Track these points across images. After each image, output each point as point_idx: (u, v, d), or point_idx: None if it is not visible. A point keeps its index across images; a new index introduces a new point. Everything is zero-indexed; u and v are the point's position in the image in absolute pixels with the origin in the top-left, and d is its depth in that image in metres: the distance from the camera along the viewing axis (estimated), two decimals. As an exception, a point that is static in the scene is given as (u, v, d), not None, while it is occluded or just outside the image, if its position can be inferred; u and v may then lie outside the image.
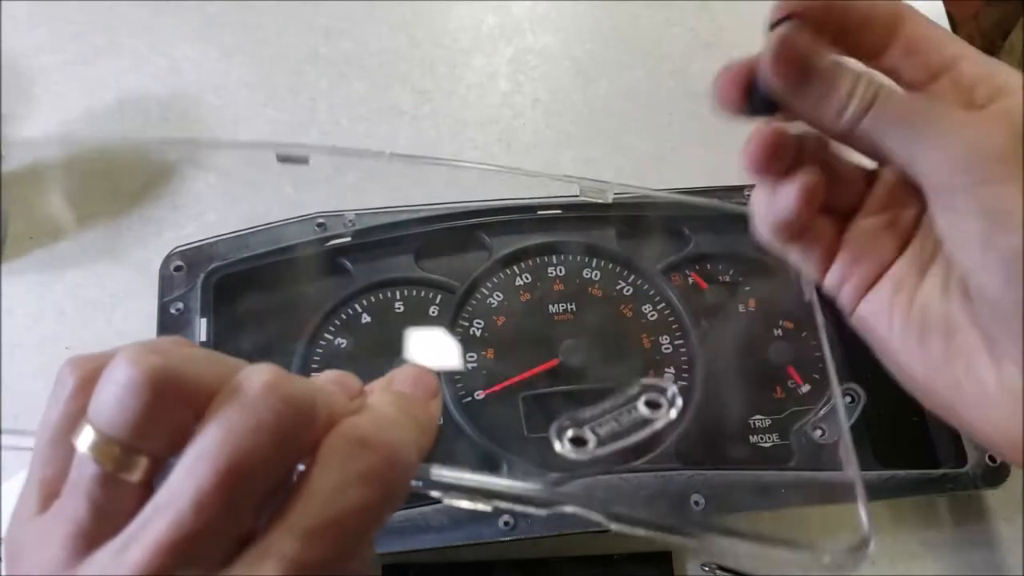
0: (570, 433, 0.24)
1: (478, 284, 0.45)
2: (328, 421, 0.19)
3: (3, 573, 0.19)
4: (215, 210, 0.51)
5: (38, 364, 0.45)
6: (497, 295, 0.44)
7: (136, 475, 0.18)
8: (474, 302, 0.44)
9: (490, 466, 0.40)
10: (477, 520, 0.37)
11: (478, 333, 0.43)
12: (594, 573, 0.41)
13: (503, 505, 0.21)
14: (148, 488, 0.18)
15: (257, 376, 0.19)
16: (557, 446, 0.23)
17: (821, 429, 0.41)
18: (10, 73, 0.55)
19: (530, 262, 0.46)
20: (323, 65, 0.57)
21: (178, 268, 0.43)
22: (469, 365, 0.42)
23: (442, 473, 0.21)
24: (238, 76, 0.56)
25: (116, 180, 0.52)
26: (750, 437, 0.42)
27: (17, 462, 0.43)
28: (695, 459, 0.40)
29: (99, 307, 0.47)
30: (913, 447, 0.42)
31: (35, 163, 0.52)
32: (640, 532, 0.21)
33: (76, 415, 0.19)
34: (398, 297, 0.45)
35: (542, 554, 0.41)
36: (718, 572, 0.42)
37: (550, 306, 0.44)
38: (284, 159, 0.40)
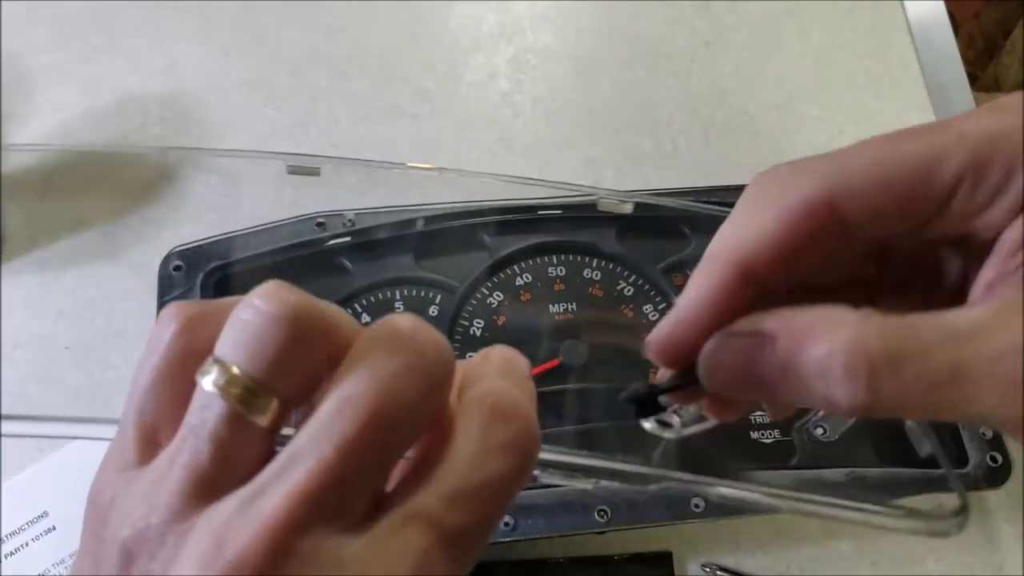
0: (659, 415, 0.24)
1: (478, 284, 0.45)
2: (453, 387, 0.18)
3: (86, 532, 0.17)
4: (215, 210, 0.51)
5: (38, 364, 0.45)
6: (497, 295, 0.44)
7: (266, 419, 0.17)
8: (474, 302, 0.44)
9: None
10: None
11: (478, 333, 0.43)
12: (594, 573, 0.41)
13: (605, 482, 0.21)
14: (273, 438, 0.17)
15: (398, 321, 0.17)
16: (645, 424, 0.23)
17: (823, 427, 0.41)
18: (10, 73, 0.55)
19: (530, 262, 0.46)
20: (323, 65, 0.57)
21: (177, 268, 0.43)
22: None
23: (547, 452, 0.20)
24: (238, 76, 0.56)
25: (116, 180, 0.52)
26: (751, 434, 0.42)
27: (17, 462, 0.43)
28: (696, 460, 0.40)
29: (98, 307, 0.47)
30: (913, 447, 0.42)
31: (35, 163, 0.52)
32: (745, 496, 0.21)
33: (180, 358, 0.18)
34: (398, 297, 0.45)
35: (542, 554, 0.41)
36: (719, 573, 0.42)
37: (550, 306, 0.44)
38: (294, 171, 0.40)
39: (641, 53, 0.59)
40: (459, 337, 0.43)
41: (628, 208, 0.39)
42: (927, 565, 0.43)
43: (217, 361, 0.17)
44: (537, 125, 0.56)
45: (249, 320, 0.17)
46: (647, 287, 0.45)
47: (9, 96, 0.54)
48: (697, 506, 0.38)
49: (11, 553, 0.41)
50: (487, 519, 0.17)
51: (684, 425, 0.24)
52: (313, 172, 0.41)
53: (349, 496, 0.16)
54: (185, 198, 0.51)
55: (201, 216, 0.51)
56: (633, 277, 0.45)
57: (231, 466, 0.16)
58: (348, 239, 0.45)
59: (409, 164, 0.37)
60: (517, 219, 0.46)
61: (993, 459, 0.40)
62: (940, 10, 0.62)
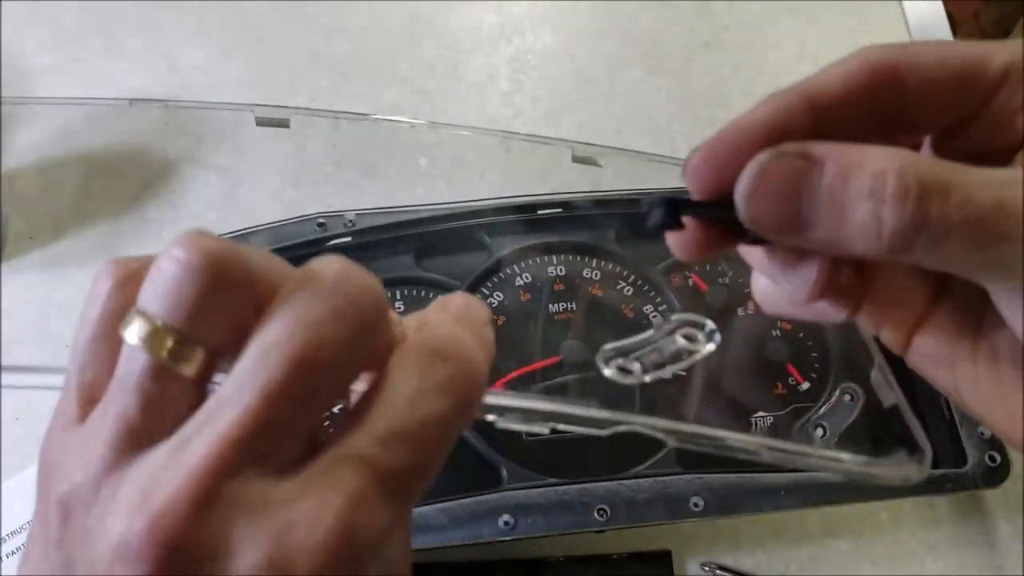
0: (619, 363, 0.24)
1: (478, 284, 0.45)
2: (394, 333, 0.18)
3: (37, 494, 0.17)
4: (215, 210, 0.51)
5: (39, 362, 0.45)
6: (497, 295, 0.44)
7: (191, 369, 0.16)
8: (474, 302, 0.44)
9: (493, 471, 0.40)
10: (477, 520, 0.37)
11: (478, 333, 0.43)
12: (594, 573, 0.41)
13: (562, 427, 0.20)
14: (202, 387, 0.17)
15: (327, 263, 0.17)
16: (605, 371, 0.23)
17: (822, 428, 0.41)
18: (10, 73, 0.55)
19: (530, 262, 0.46)
20: (323, 65, 0.57)
21: (178, 268, 0.43)
22: None
23: (500, 397, 0.20)
24: (238, 76, 0.56)
25: (116, 180, 0.52)
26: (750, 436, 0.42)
27: (17, 462, 0.43)
28: (695, 462, 0.40)
29: (99, 307, 0.47)
30: (913, 447, 0.42)
31: (35, 163, 0.52)
32: (708, 449, 0.21)
33: (117, 313, 0.17)
34: (398, 297, 0.45)
35: (542, 554, 0.41)
36: (718, 572, 0.42)
37: (550, 306, 0.44)
38: (263, 123, 0.40)
39: (641, 53, 0.59)
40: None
41: (602, 163, 0.39)
42: (926, 564, 0.43)
43: (139, 313, 0.16)
44: (537, 125, 0.56)
45: (168, 270, 0.16)
46: (647, 287, 0.45)
47: (9, 96, 0.54)
48: (696, 505, 0.38)
49: (11, 553, 0.41)
50: (425, 459, 0.17)
51: (645, 371, 0.24)
52: (283, 124, 0.40)
53: (277, 441, 0.16)
54: (185, 197, 0.51)
55: (201, 216, 0.51)
56: (633, 277, 0.45)
57: (160, 417, 0.16)
58: (348, 239, 0.45)
59: (377, 117, 0.37)
60: (517, 219, 0.46)
61: (992, 458, 0.40)
62: (939, 10, 0.62)
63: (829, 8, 0.61)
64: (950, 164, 0.17)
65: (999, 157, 0.20)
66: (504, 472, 0.39)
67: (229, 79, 0.56)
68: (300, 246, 0.44)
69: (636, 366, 0.24)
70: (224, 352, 0.17)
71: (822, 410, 0.41)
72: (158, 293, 0.16)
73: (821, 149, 0.18)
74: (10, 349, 0.46)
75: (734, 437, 0.21)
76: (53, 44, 0.57)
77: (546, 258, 0.46)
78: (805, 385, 0.43)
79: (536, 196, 0.46)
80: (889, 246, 0.17)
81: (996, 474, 0.40)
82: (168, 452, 0.16)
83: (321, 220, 0.44)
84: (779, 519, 0.43)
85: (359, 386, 0.18)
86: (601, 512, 0.38)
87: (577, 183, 0.48)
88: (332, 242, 0.44)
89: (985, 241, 0.17)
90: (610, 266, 0.46)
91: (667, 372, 0.24)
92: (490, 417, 0.20)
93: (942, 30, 0.61)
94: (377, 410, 0.17)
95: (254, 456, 0.16)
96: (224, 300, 0.17)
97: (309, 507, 0.15)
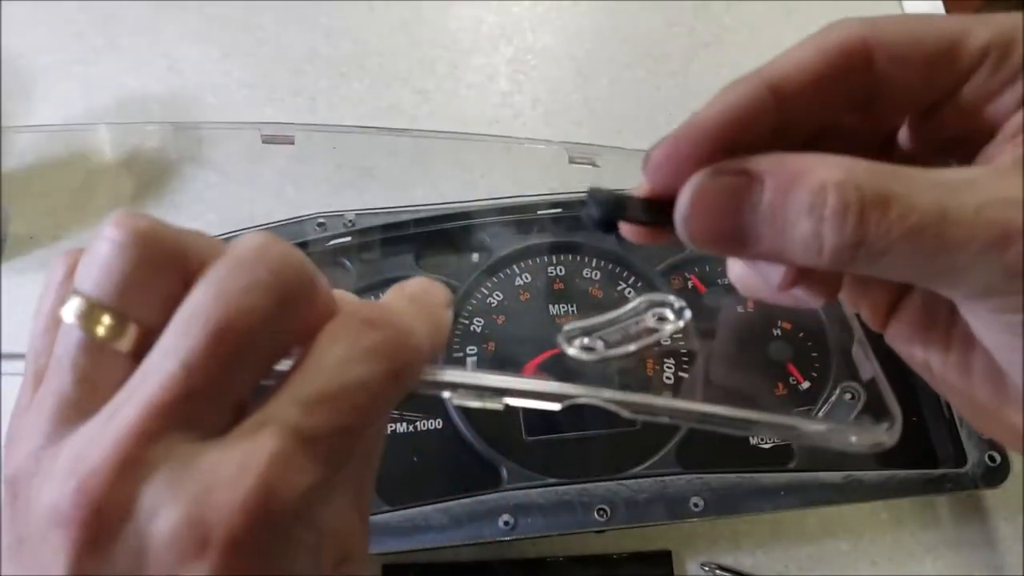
0: (583, 341, 0.24)
1: (478, 284, 0.45)
2: (328, 308, 0.18)
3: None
4: (215, 210, 0.51)
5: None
6: (497, 295, 0.45)
7: (124, 344, 0.17)
8: (474, 302, 0.44)
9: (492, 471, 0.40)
10: (477, 520, 0.37)
11: (478, 332, 0.43)
12: (593, 572, 0.41)
13: (514, 402, 0.20)
14: (137, 364, 0.17)
15: (250, 239, 0.18)
16: (568, 350, 0.23)
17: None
18: (10, 73, 0.55)
19: (530, 262, 0.46)
20: (323, 65, 0.57)
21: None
22: (469, 363, 0.42)
23: (453, 372, 0.20)
24: (238, 76, 0.56)
25: (116, 180, 0.52)
26: (749, 439, 0.42)
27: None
28: (695, 462, 0.40)
29: (99, 307, 0.47)
30: (913, 447, 0.42)
31: (35, 163, 0.52)
32: (663, 420, 0.20)
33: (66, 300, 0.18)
34: (398, 297, 0.45)
35: (542, 554, 0.41)
36: (718, 572, 0.42)
37: (550, 306, 0.44)
38: (269, 140, 0.40)
39: (640, 53, 0.59)
40: (459, 336, 0.43)
41: (599, 163, 0.39)
42: (925, 565, 0.43)
43: (75, 292, 0.17)
44: (537, 125, 0.56)
45: (99, 249, 0.17)
46: (647, 288, 0.45)
47: (9, 96, 0.54)
48: (696, 505, 0.38)
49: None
50: (349, 422, 0.17)
51: (608, 347, 0.24)
52: (287, 141, 0.41)
53: (201, 408, 0.16)
54: (186, 197, 0.51)
55: (201, 216, 0.51)
56: (633, 278, 0.45)
57: (95, 391, 0.17)
58: (348, 239, 0.45)
59: (377, 127, 0.37)
60: (517, 219, 0.46)
61: (991, 458, 0.40)
62: (939, 10, 0.62)
63: (829, 8, 0.61)
64: (895, 170, 0.17)
65: (972, 145, 0.19)
66: (504, 472, 0.39)
67: (229, 79, 0.56)
68: (300, 246, 0.44)
69: (599, 343, 0.24)
70: (159, 327, 0.17)
71: (822, 410, 0.41)
72: (91, 273, 0.17)
73: (761, 164, 0.18)
74: (10, 350, 0.46)
75: (686, 405, 0.21)
76: (53, 44, 0.57)
77: (546, 258, 0.46)
78: (805, 385, 0.43)
79: (536, 196, 0.47)
80: (830, 262, 0.17)
81: (996, 474, 0.40)
82: (100, 421, 0.16)
83: (321, 220, 0.44)
84: (779, 519, 0.43)
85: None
86: (601, 512, 0.38)
87: (577, 183, 0.48)
88: (332, 242, 0.44)
89: (930, 252, 0.16)
90: (610, 266, 0.46)
91: (631, 348, 0.24)
92: (445, 394, 0.20)
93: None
94: (301, 376, 0.17)
95: (179, 422, 0.16)
96: (154, 276, 0.17)
97: (229, 469, 0.16)
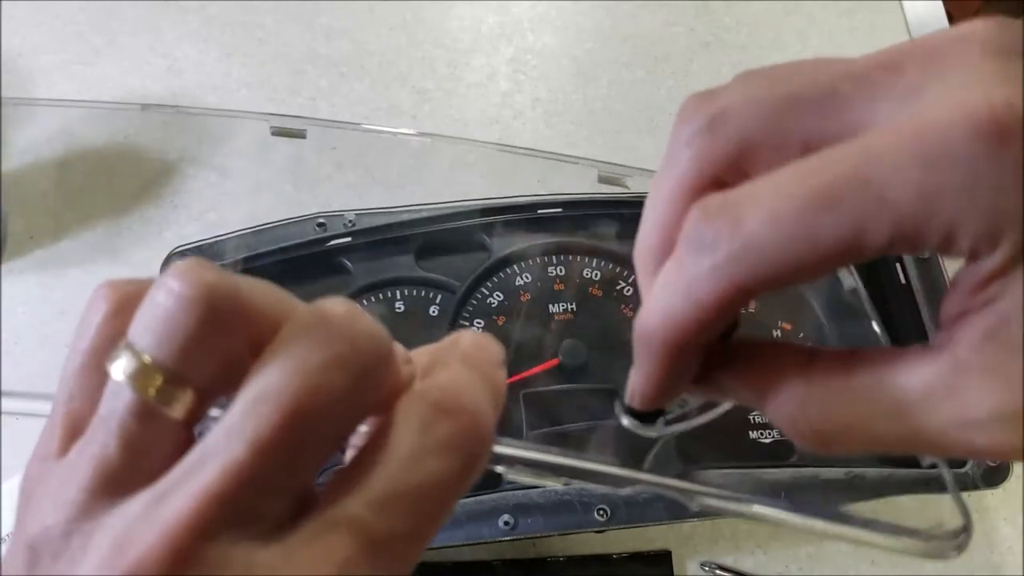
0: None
1: (478, 284, 0.45)
2: (399, 380, 0.17)
3: (15, 519, 0.17)
4: (215, 210, 0.51)
5: (38, 364, 0.45)
6: (497, 295, 0.45)
7: (178, 410, 0.15)
8: (474, 302, 0.44)
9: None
10: (477, 520, 0.37)
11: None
12: (593, 572, 0.41)
13: (576, 483, 0.20)
14: (189, 431, 0.16)
15: (335, 305, 0.16)
16: (624, 421, 0.22)
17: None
18: (10, 73, 0.55)
19: (530, 262, 0.46)
20: (323, 65, 0.57)
21: (178, 268, 0.43)
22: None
23: (514, 448, 0.19)
24: (238, 76, 0.56)
25: (116, 180, 0.52)
26: (750, 433, 0.42)
27: (17, 461, 0.43)
28: (696, 458, 0.40)
29: (99, 307, 0.47)
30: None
31: (35, 163, 0.52)
32: (729, 511, 0.21)
33: (109, 342, 0.16)
34: (398, 297, 0.45)
35: (542, 554, 0.41)
36: (718, 572, 0.42)
37: (550, 306, 0.44)
38: (279, 132, 0.40)
39: (640, 54, 0.59)
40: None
41: (629, 184, 0.39)
42: (925, 565, 0.43)
43: (128, 347, 0.15)
44: (537, 125, 0.56)
45: (161, 302, 0.15)
46: (647, 287, 0.45)
47: (9, 96, 0.54)
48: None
49: (12, 552, 0.41)
50: (422, 524, 0.16)
51: (667, 424, 0.23)
52: (299, 135, 0.40)
53: (264, 499, 0.15)
54: (185, 197, 0.51)
55: (202, 216, 0.51)
56: (633, 277, 0.45)
57: (141, 460, 0.15)
58: (348, 239, 0.45)
59: (394, 130, 0.37)
60: (517, 219, 0.46)
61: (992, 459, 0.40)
62: (939, 10, 0.62)
63: (829, 8, 0.61)
64: (850, 389, 0.17)
65: None
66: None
67: (229, 79, 0.56)
68: (300, 246, 0.44)
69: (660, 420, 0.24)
70: (216, 393, 0.16)
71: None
72: (149, 327, 0.15)
73: (728, 383, 0.19)
74: (10, 349, 0.46)
75: (766, 509, 0.20)
76: (53, 44, 0.57)
77: (546, 258, 0.46)
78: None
79: (536, 196, 0.47)
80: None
81: (996, 474, 0.40)
82: (146, 503, 0.14)
83: (321, 220, 0.44)
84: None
85: (360, 433, 0.17)
86: (601, 512, 0.38)
87: (577, 183, 0.48)
88: (332, 242, 0.44)
89: (896, 452, 0.17)
90: (610, 266, 0.46)
91: (690, 424, 0.24)
92: (499, 469, 0.19)
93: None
94: (375, 470, 0.16)
95: (237, 515, 0.14)
96: (219, 338, 0.15)
97: None
